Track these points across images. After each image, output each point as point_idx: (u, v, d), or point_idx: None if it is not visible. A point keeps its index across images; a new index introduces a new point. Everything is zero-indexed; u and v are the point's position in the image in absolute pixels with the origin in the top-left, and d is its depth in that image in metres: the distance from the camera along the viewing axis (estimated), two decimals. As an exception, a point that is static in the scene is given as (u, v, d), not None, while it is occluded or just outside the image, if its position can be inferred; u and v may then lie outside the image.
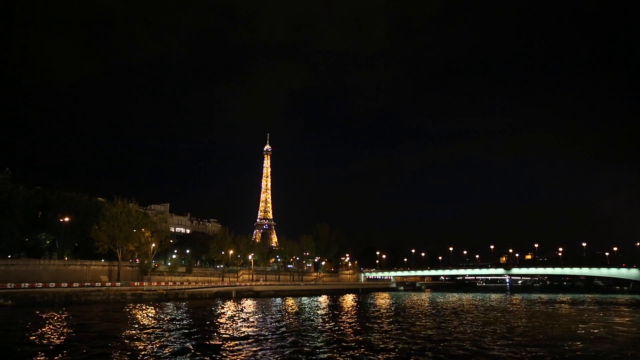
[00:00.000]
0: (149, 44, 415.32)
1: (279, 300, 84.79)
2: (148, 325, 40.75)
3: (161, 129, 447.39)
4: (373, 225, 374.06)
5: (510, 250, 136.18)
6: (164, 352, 26.63)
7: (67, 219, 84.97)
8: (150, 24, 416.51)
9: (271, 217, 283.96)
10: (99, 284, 77.51)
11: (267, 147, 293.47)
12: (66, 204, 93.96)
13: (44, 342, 30.17)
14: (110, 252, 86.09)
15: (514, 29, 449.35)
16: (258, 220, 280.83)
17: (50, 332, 35.00)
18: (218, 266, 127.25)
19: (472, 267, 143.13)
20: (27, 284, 67.21)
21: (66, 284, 72.03)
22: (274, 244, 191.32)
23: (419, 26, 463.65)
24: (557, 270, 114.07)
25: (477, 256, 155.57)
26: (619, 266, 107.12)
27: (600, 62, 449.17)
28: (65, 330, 35.95)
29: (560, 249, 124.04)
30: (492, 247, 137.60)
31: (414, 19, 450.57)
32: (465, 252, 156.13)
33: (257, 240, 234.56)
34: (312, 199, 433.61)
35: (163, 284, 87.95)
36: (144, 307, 60.54)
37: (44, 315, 47.09)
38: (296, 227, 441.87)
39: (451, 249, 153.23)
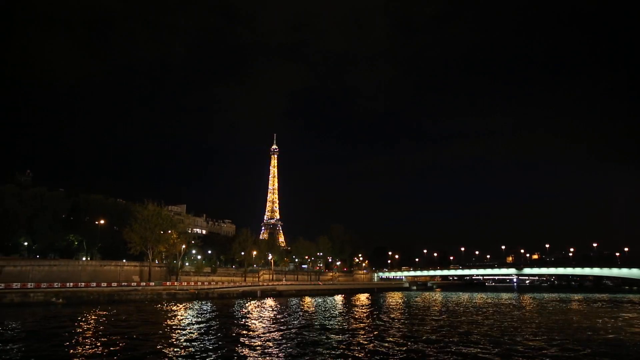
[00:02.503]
0: (149, 44, 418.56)
1: (300, 299, 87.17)
2: (193, 322, 42.54)
3: (161, 130, 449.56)
4: (378, 225, 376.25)
5: (522, 251, 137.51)
6: (219, 349, 27.60)
7: (102, 222, 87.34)
8: (150, 24, 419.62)
9: (278, 216, 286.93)
10: (134, 283, 79.83)
11: (274, 147, 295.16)
12: (94, 206, 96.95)
13: (113, 338, 31.17)
14: (135, 253, 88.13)
15: (514, 29, 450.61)
16: (265, 219, 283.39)
17: (110, 329, 36.60)
18: (233, 266, 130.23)
19: (483, 267, 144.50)
20: (71, 284, 69.71)
21: (105, 283, 74.46)
22: (281, 244, 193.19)
23: (419, 26, 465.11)
24: (568, 270, 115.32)
25: (488, 256, 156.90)
26: (630, 266, 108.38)
27: (600, 62, 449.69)
28: (122, 328, 37.42)
29: (572, 249, 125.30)
30: (503, 247, 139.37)
31: (414, 19, 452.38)
32: (477, 252, 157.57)
33: (265, 238, 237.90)
34: (316, 198, 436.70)
35: (192, 283, 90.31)
36: (180, 306, 62.76)
37: (95, 313, 49.38)
38: (302, 227, 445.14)
39: (463, 249, 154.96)
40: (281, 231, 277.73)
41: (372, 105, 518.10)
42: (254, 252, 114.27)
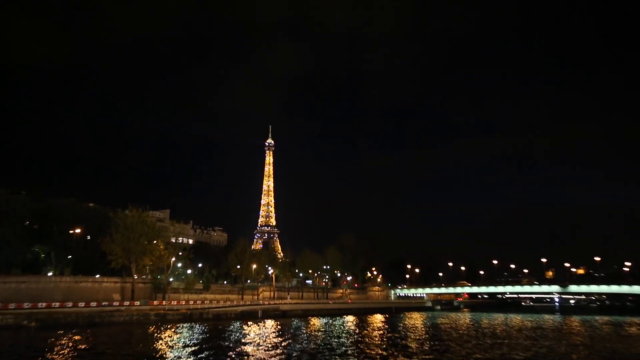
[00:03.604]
0: (134, 24, 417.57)
1: (306, 320, 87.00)
2: (189, 348, 42.52)
3: (137, 124, 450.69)
4: (393, 234, 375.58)
5: (567, 265, 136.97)
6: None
7: (77, 230, 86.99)
8: (137, 2, 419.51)
9: (274, 223, 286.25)
10: (116, 302, 79.63)
11: (269, 141, 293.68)
12: (64, 213, 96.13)
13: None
14: (116, 267, 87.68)
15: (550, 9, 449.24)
16: (259, 227, 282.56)
17: (95, 357, 36.50)
18: (225, 282, 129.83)
19: (519, 284, 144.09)
20: (43, 304, 69.42)
21: (83, 303, 74.21)
22: (278, 255, 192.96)
23: (435, 3, 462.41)
24: (624, 289, 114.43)
25: (526, 271, 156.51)
26: None
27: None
28: (108, 356, 37.34)
29: (627, 263, 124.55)
30: (543, 260, 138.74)
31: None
32: (512, 266, 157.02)
33: (258, 248, 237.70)
34: (318, 202, 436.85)
35: (183, 302, 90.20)
36: (171, 328, 62.63)
37: (74, 338, 49.19)
38: (302, 235, 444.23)
39: (495, 262, 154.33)
40: (278, 240, 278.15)
41: (383, 94, 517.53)
42: (254, 266, 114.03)
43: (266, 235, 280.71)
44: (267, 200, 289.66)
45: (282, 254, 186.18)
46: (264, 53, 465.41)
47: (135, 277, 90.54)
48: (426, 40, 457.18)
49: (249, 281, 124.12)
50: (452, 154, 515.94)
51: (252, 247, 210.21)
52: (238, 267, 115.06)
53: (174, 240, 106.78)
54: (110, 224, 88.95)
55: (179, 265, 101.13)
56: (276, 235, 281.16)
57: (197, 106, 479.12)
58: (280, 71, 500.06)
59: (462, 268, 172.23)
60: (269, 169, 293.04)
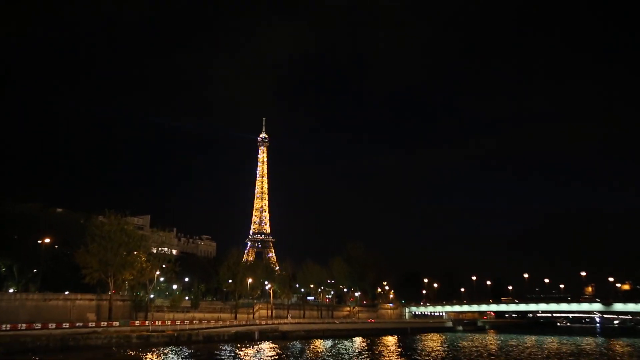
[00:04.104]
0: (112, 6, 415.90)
1: (309, 343, 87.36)
2: None
3: (109, 115, 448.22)
4: (407, 244, 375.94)
5: (611, 279, 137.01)
6: None
7: (47, 240, 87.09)
8: None
9: (269, 230, 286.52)
10: (92, 323, 79.81)
11: (263, 135, 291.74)
12: (28, 219, 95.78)
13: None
14: (92, 283, 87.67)
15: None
16: (251, 235, 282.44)
17: None
18: (214, 298, 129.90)
19: (554, 301, 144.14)
20: (8, 325, 69.50)
21: (54, 324, 74.37)
22: (275, 268, 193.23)
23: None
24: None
25: (562, 286, 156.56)
26: None
27: None
28: None
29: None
30: (583, 273, 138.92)
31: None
32: (546, 280, 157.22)
33: (251, 260, 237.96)
34: (318, 206, 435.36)
35: (169, 322, 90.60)
36: (156, 353, 62.82)
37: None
38: (300, 245, 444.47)
39: (526, 276, 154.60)
40: (273, 250, 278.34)
41: (389, 82, 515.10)
42: (249, 280, 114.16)
43: (259, 244, 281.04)
44: (261, 204, 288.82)
45: (278, 266, 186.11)
46: (257, 34, 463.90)
47: (114, 294, 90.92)
48: (438, 21, 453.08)
49: (253, 298, 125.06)
50: (472, 153, 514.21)
51: (244, 258, 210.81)
52: (230, 281, 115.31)
53: (155, 251, 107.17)
54: (84, 233, 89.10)
55: (162, 279, 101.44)
56: (271, 245, 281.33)
57: (178, 97, 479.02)
58: (275, 56, 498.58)
59: (488, 283, 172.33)
60: (262, 167, 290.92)
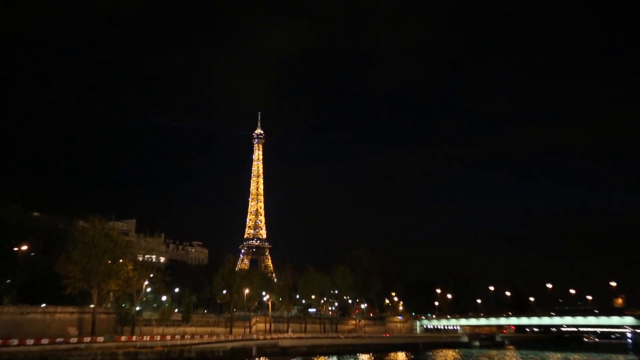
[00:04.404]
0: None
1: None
2: None
3: (95, 113, 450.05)
4: (415, 250, 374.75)
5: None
6: None
7: (24, 247, 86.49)
8: None
9: (265, 235, 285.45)
10: (74, 339, 79.34)
11: (259, 131, 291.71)
12: (4, 225, 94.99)
13: None
14: (74, 293, 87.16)
15: None
16: (246, 240, 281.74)
17: None
18: (205, 311, 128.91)
19: (581, 314, 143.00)
20: (-19, 341, 68.99)
21: (32, 340, 73.80)
22: (270, 274, 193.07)
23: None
24: None
25: (590, 298, 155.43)
26: None
27: None
28: None
29: None
30: (613, 284, 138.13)
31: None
32: (571, 291, 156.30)
33: (245, 268, 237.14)
34: (318, 209, 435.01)
35: (158, 337, 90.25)
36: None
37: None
38: (300, 251, 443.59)
39: (549, 286, 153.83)
40: (269, 257, 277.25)
41: (392, 81, 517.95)
42: (246, 291, 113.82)
43: (254, 250, 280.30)
44: (256, 206, 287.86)
45: (274, 275, 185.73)
46: (257, 34, 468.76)
47: (97, 306, 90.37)
48: (438, 21, 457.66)
49: (250, 310, 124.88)
50: (489, 151, 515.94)
51: (237, 265, 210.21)
52: (225, 292, 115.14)
53: (141, 259, 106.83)
54: (66, 239, 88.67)
55: (149, 290, 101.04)
56: (267, 251, 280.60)
57: (178, 97, 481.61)
58: (275, 56, 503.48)
59: (507, 293, 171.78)
60: (258, 166, 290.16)
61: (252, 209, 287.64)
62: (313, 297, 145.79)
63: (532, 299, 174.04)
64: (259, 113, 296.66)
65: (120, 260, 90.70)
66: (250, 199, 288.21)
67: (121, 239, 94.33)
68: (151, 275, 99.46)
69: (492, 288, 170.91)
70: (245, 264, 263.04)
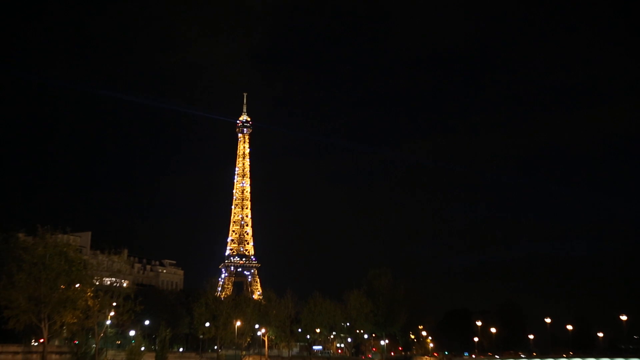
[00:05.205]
0: None
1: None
2: None
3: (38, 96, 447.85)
4: (443, 269, 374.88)
5: None
6: None
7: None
8: None
9: (252, 252, 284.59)
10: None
11: (244, 118, 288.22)
12: None
13: None
14: (18, 329, 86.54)
15: None
16: (228, 257, 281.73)
17: None
18: (182, 349, 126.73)
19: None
20: None
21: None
22: (258, 299, 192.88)
23: None
24: None
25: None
26: None
27: None
28: None
29: None
30: None
31: None
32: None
33: (227, 293, 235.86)
34: (320, 215, 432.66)
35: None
36: None
37: None
38: (297, 272, 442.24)
39: (623, 317, 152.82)
40: (258, 279, 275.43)
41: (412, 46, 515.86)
42: (237, 323, 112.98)
43: (239, 270, 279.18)
44: (242, 213, 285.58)
45: (264, 301, 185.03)
46: None
47: (47, 344, 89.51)
48: None
49: (222, 348, 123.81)
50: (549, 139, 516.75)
51: (218, 290, 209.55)
52: (208, 324, 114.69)
53: (97, 283, 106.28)
54: (5, 258, 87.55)
55: (108, 322, 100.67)
56: (256, 272, 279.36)
57: (125, 65, 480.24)
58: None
59: (568, 327, 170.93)
60: (243, 164, 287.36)
61: (235, 218, 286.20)
62: (318, 330, 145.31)
63: (600, 334, 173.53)
64: (245, 94, 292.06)
65: (77, 286, 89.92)
66: (233, 206, 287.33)
67: (79, 257, 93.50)
68: (114, 304, 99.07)
69: (548, 320, 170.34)
70: (228, 288, 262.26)
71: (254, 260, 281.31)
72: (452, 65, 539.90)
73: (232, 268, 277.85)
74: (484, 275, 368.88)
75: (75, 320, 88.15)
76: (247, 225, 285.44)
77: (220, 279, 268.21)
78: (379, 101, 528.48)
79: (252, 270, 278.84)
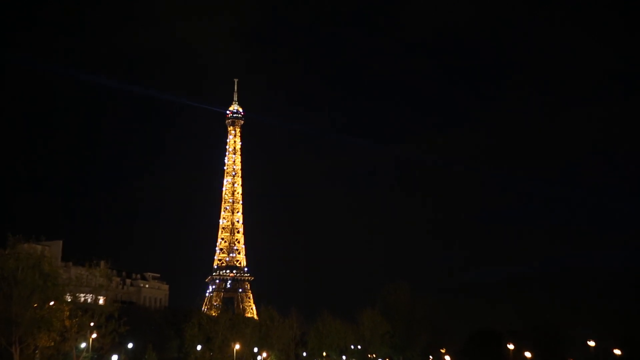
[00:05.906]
0: None
1: None
2: None
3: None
4: (471, 281, 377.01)
5: None
6: None
7: None
8: None
9: (244, 263, 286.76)
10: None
11: (234, 108, 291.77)
12: None
13: None
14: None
15: None
16: (216, 270, 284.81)
17: None
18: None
19: None
20: None
21: None
22: (249, 315, 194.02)
23: None
24: None
25: None
26: None
27: None
28: None
29: None
30: None
31: None
32: None
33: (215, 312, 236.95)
34: (324, 221, 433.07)
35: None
36: None
37: None
38: (297, 287, 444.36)
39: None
40: (251, 294, 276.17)
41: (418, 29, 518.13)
42: (236, 346, 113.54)
43: (229, 283, 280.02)
44: (232, 218, 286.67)
45: (257, 318, 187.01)
46: None
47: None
48: None
49: None
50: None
51: (203, 306, 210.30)
52: (200, 347, 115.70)
53: (68, 297, 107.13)
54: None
55: (84, 346, 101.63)
56: (248, 286, 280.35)
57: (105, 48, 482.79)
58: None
59: (617, 352, 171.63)
60: (233, 160, 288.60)
61: (225, 223, 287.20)
62: (325, 354, 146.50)
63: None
64: (236, 80, 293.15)
65: (52, 303, 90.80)
66: (222, 209, 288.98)
67: (54, 271, 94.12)
68: (92, 324, 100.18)
69: (592, 343, 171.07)
70: (216, 304, 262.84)
71: (246, 273, 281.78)
72: (458, 54, 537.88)
73: (221, 282, 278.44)
74: (510, 291, 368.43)
75: (52, 344, 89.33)
76: (238, 232, 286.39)
77: (206, 294, 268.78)
78: (381, 92, 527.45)
79: (245, 284, 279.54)
